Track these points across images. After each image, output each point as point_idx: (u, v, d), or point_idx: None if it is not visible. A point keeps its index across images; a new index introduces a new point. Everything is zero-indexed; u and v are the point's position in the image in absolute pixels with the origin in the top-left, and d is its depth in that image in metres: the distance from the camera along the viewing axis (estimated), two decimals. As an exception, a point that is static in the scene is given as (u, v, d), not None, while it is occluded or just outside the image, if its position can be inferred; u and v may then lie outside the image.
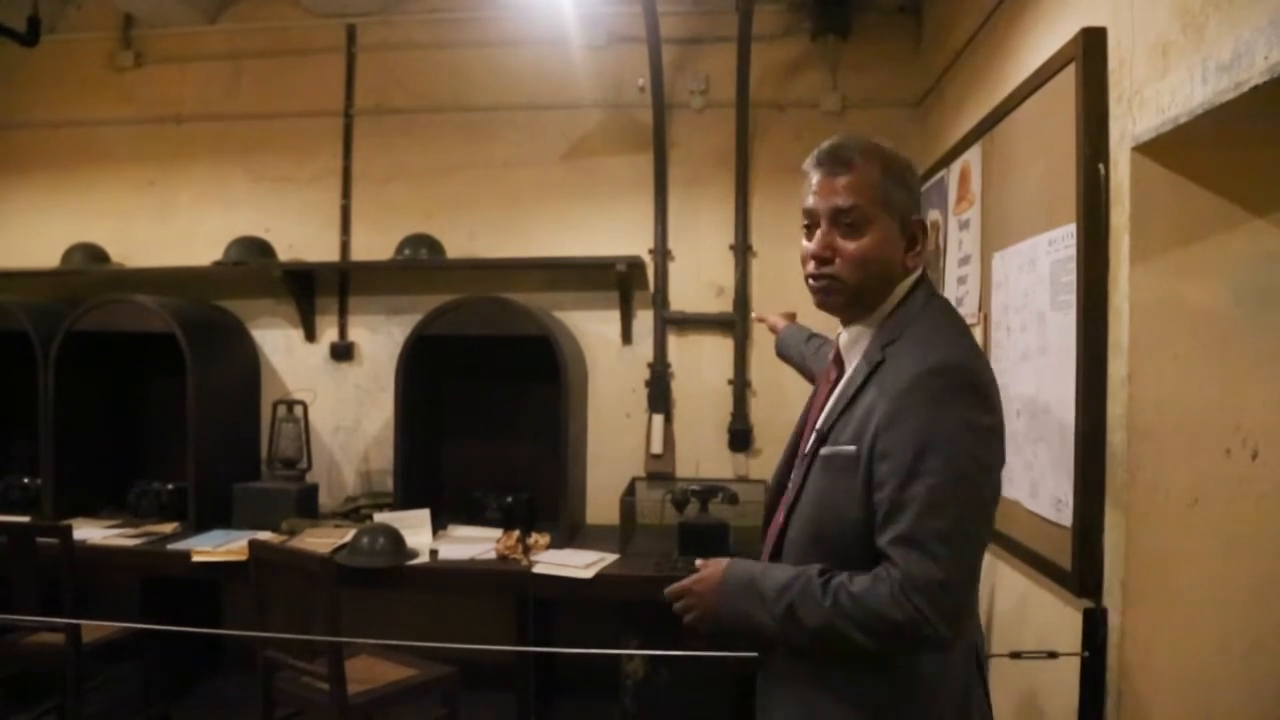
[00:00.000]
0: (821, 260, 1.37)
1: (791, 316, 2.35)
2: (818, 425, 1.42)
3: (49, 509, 3.49)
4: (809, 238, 1.40)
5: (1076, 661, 1.75)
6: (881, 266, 1.37)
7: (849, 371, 1.42)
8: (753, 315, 2.11)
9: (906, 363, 1.30)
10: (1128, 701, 1.68)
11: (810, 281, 1.41)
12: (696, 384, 3.74)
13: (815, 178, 1.39)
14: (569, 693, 3.60)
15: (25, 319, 3.53)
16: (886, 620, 1.21)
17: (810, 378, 2.04)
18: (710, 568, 1.42)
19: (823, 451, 1.36)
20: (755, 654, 1.52)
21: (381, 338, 3.90)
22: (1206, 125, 1.48)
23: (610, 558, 3.06)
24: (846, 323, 1.46)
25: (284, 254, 3.89)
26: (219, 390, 3.65)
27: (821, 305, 1.43)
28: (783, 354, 2.25)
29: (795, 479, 1.43)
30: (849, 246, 1.35)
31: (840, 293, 1.38)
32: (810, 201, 1.39)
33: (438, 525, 3.36)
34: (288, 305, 3.92)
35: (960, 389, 1.26)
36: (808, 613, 1.27)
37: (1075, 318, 1.86)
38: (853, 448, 1.31)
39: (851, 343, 1.44)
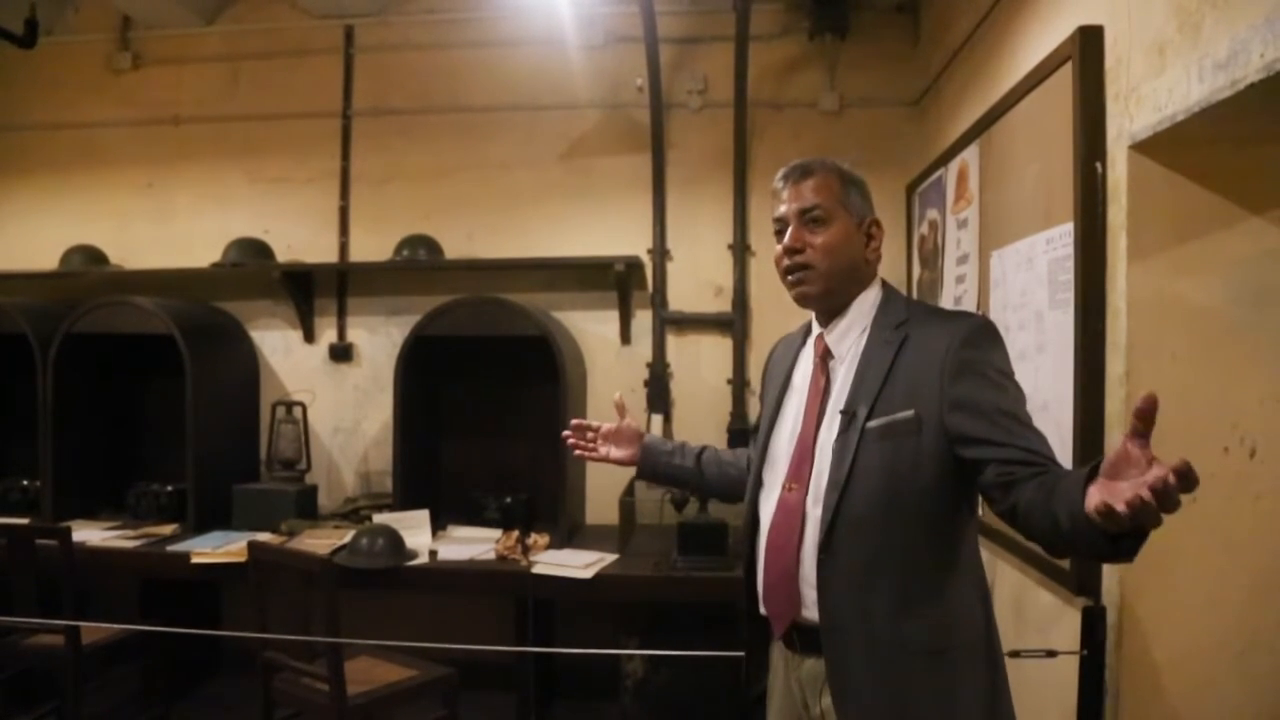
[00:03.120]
0: (793, 251, 1.52)
1: (620, 409, 1.90)
2: (842, 406, 1.47)
3: (48, 511, 3.49)
4: (781, 241, 1.56)
5: (1075, 660, 1.75)
6: (846, 256, 1.52)
7: (852, 357, 1.51)
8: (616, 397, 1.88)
9: (943, 328, 1.44)
10: (1126, 700, 1.68)
11: (787, 277, 1.55)
12: (695, 384, 3.75)
13: (783, 190, 1.56)
14: (569, 693, 3.60)
15: (24, 321, 3.52)
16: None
17: (694, 487, 1.92)
18: None
19: (872, 424, 1.42)
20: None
21: (380, 338, 3.90)
22: (1203, 123, 1.49)
23: (610, 558, 3.06)
24: (826, 321, 1.57)
25: (282, 255, 3.89)
26: (218, 391, 3.65)
27: (800, 296, 1.55)
28: (657, 471, 1.90)
29: (833, 461, 1.45)
30: (816, 239, 1.51)
31: (814, 281, 1.52)
32: (780, 210, 1.55)
33: (437, 526, 3.36)
34: (286, 306, 3.92)
35: (1000, 341, 1.45)
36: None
37: (1073, 316, 1.86)
38: (910, 411, 1.40)
39: (842, 335, 1.55)
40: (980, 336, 1.42)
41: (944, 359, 1.39)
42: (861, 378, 1.48)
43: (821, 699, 1.47)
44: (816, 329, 1.60)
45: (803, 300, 1.55)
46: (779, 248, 1.55)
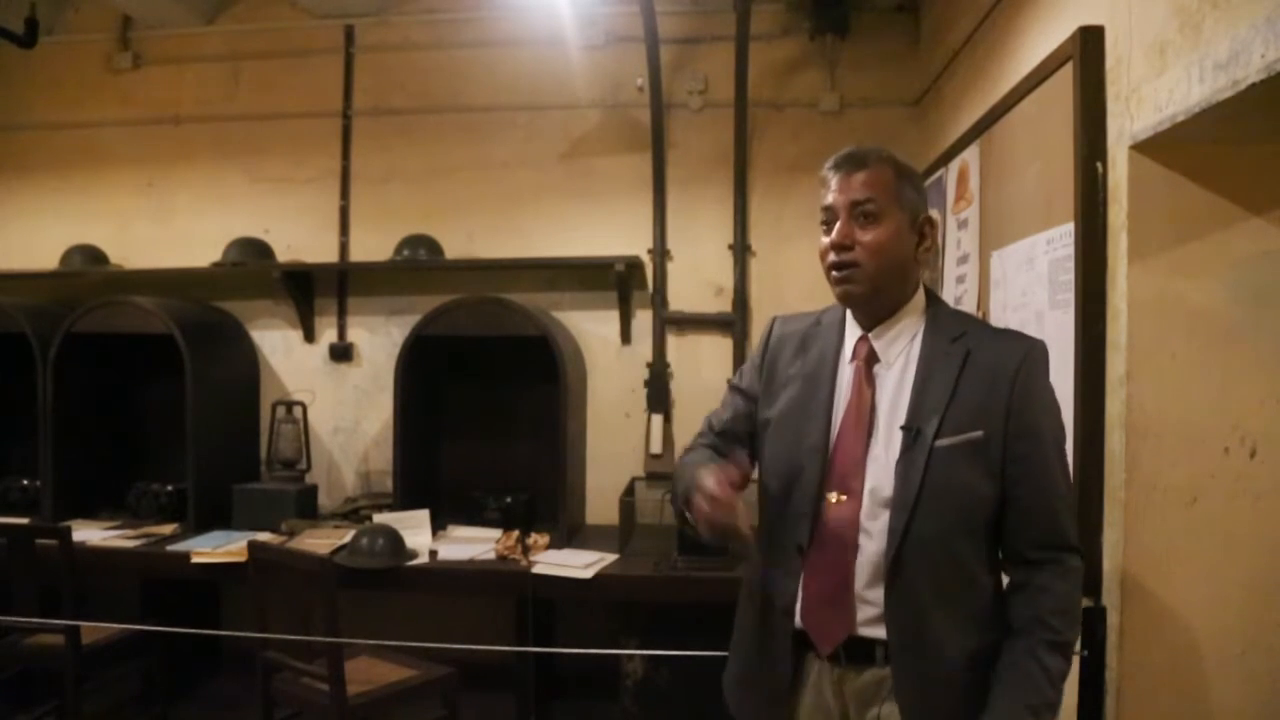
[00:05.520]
0: (841, 248, 1.43)
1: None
2: (902, 420, 1.41)
3: (48, 510, 3.49)
4: (828, 234, 1.46)
5: (1075, 660, 1.75)
6: (896, 256, 1.44)
7: (903, 365, 1.46)
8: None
9: (1008, 348, 1.43)
10: (1127, 700, 1.69)
11: (833, 273, 1.46)
12: (695, 384, 3.74)
13: (833, 179, 1.47)
14: (569, 693, 3.60)
15: (24, 321, 3.52)
16: (1077, 595, 1.42)
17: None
18: None
19: (941, 443, 1.38)
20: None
21: (380, 338, 3.90)
22: (1204, 124, 1.49)
23: (610, 558, 3.06)
24: (870, 323, 1.49)
25: (283, 255, 3.89)
26: (218, 391, 3.65)
27: (844, 296, 1.47)
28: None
29: (898, 479, 1.39)
30: (866, 236, 1.42)
31: (861, 281, 1.43)
32: (829, 199, 1.46)
33: (437, 526, 3.36)
34: (287, 306, 3.92)
35: (1048, 366, 1.46)
36: (1057, 675, 1.36)
37: (1073, 317, 1.86)
38: (979, 432, 1.38)
39: (892, 340, 1.48)
40: (1043, 363, 1.44)
41: (1013, 382, 1.39)
42: (923, 392, 1.41)
43: (868, 711, 1.42)
44: (857, 330, 1.51)
45: (847, 299, 1.47)
46: (825, 241, 1.46)
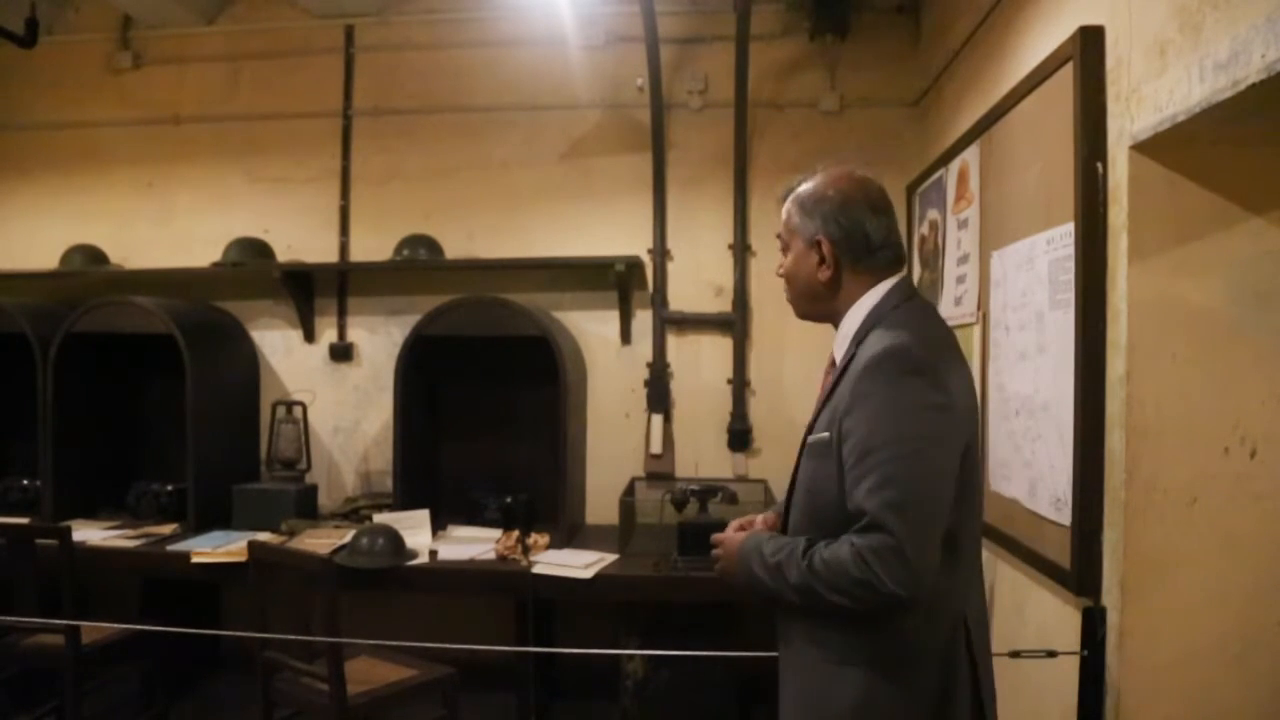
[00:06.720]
0: (781, 277, 1.65)
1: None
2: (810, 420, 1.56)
3: (48, 510, 3.49)
4: None
5: (1075, 660, 1.76)
6: (802, 278, 1.58)
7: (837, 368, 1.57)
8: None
9: (865, 353, 1.45)
10: (1126, 700, 1.69)
11: None
12: (695, 384, 3.74)
13: None
14: (569, 693, 3.60)
15: (24, 321, 3.52)
16: (848, 578, 1.35)
17: None
18: (742, 534, 1.60)
19: (809, 440, 1.52)
20: (755, 653, 1.58)
21: (380, 338, 3.90)
22: (1204, 124, 1.49)
23: (610, 558, 3.06)
24: (835, 327, 1.61)
25: (283, 255, 3.89)
26: (218, 391, 3.65)
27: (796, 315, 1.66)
28: None
29: (792, 473, 1.57)
30: (784, 266, 1.62)
31: (792, 303, 1.64)
32: None
33: (437, 526, 3.36)
34: (287, 306, 3.92)
35: (907, 371, 1.39)
36: (790, 571, 1.43)
37: (1074, 316, 1.86)
38: (827, 434, 1.46)
39: (839, 345, 1.58)
40: (879, 366, 1.39)
41: (850, 385, 1.42)
42: (823, 393, 1.54)
43: None
44: None
45: (798, 317, 1.65)
46: None
